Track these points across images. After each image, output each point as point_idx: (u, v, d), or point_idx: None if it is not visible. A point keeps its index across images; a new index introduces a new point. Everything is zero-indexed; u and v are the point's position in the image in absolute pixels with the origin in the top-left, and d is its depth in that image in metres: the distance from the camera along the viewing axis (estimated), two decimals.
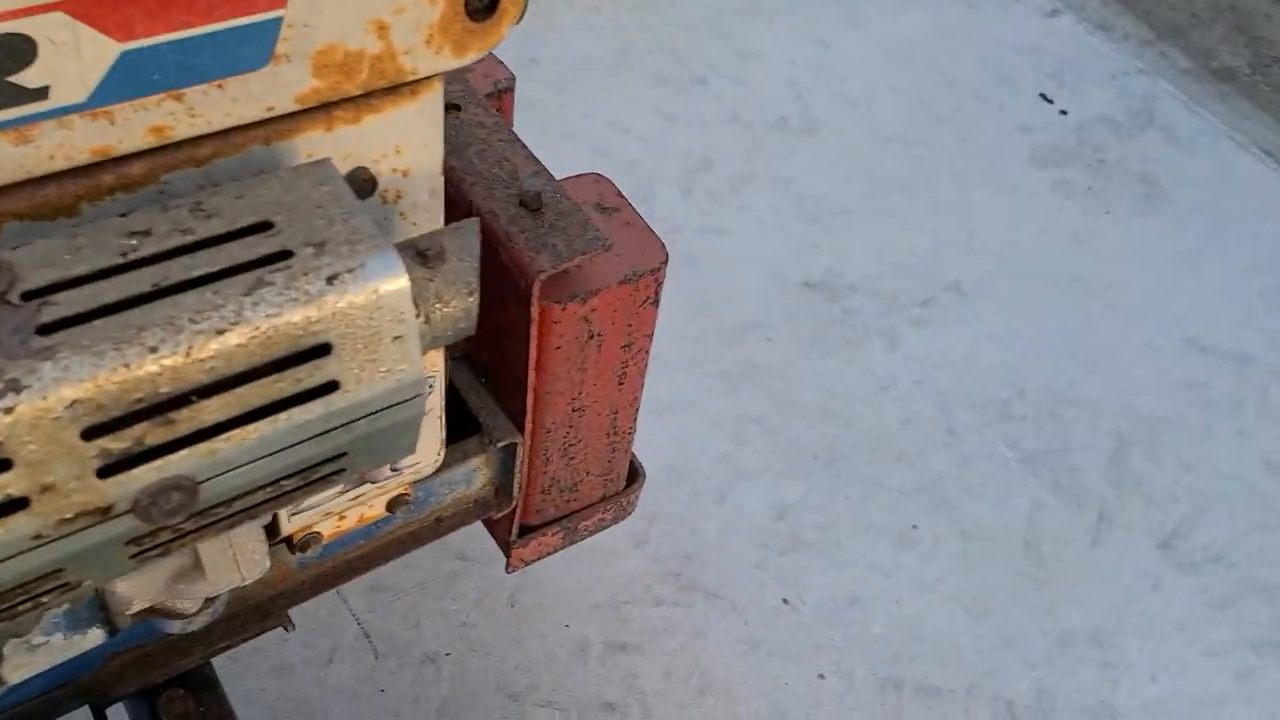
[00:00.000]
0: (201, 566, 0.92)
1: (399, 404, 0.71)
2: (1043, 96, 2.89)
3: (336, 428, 0.69)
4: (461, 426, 1.24)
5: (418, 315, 0.73)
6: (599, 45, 2.92)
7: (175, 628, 1.00)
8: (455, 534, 1.94)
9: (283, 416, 0.65)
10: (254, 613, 1.20)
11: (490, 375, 1.29)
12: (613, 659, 1.86)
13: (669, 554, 2.00)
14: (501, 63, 1.42)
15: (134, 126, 0.66)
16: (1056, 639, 1.94)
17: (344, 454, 0.72)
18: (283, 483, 0.70)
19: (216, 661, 1.74)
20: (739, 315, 2.38)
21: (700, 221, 2.55)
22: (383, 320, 0.67)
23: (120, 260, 0.62)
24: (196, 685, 1.21)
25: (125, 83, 0.64)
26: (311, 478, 0.72)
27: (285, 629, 1.21)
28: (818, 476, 2.12)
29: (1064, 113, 2.86)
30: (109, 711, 1.15)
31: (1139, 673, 1.90)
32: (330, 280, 0.64)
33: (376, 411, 0.70)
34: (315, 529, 1.10)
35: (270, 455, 0.67)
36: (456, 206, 1.18)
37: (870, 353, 2.33)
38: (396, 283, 0.66)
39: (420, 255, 0.74)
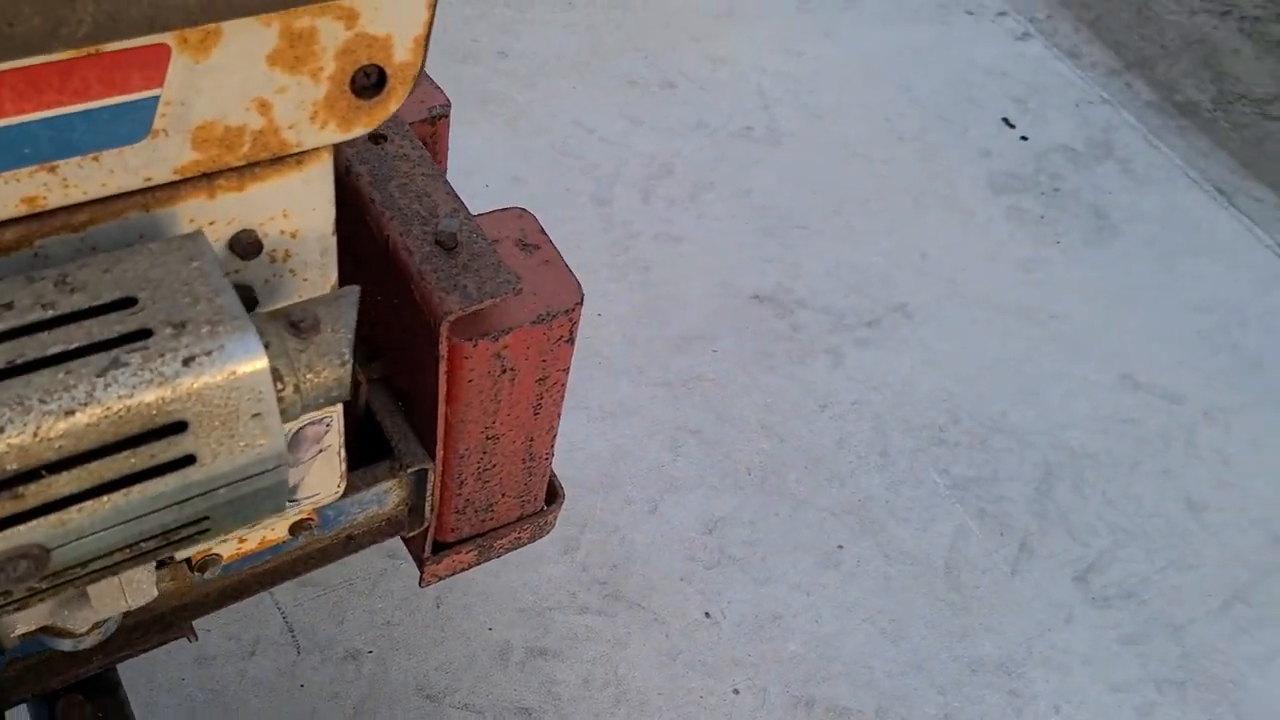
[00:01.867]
0: (87, 595, 0.94)
1: (260, 474, 0.73)
2: (1005, 121, 2.91)
3: (195, 496, 0.71)
4: (380, 447, 1.26)
5: (284, 386, 0.75)
6: (571, 42, 2.92)
7: (66, 646, 1.03)
8: None
9: (136, 489, 0.68)
10: (156, 623, 1.22)
11: (408, 400, 1.32)
12: (533, 664, 1.90)
13: (597, 562, 2.03)
14: (439, 88, 1.43)
15: (5, 196, 0.68)
16: (967, 665, 1.99)
17: (205, 519, 0.74)
18: (142, 544, 0.73)
19: None
20: (687, 324, 2.40)
21: (657, 228, 2.56)
22: (240, 399, 0.69)
23: None
24: (97, 690, 1.24)
25: None
26: (173, 539, 0.75)
27: (189, 640, 1.24)
28: (750, 492, 2.16)
29: (1025, 139, 2.88)
30: (9, 714, 1.18)
31: (1043, 704, 1.96)
32: (187, 362, 0.66)
33: (236, 481, 0.72)
34: (214, 552, 1.12)
35: (125, 523, 0.69)
36: (374, 241, 1.20)
37: (813, 370, 2.37)
38: (254, 364, 0.68)
39: (293, 326, 0.76)
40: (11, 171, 0.67)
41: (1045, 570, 2.13)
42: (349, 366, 0.79)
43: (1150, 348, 2.50)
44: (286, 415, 0.77)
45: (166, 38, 0.66)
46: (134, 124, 0.69)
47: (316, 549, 1.32)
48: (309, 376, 0.77)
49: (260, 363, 0.69)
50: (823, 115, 2.86)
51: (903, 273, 2.56)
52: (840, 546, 2.11)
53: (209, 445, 0.69)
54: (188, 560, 1.12)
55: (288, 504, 1.10)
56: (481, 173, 2.53)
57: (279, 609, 1.88)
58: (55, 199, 0.70)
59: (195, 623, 1.30)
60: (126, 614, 1.18)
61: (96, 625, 1.03)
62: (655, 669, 1.92)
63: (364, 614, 1.91)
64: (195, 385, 0.67)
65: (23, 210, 0.69)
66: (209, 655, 1.82)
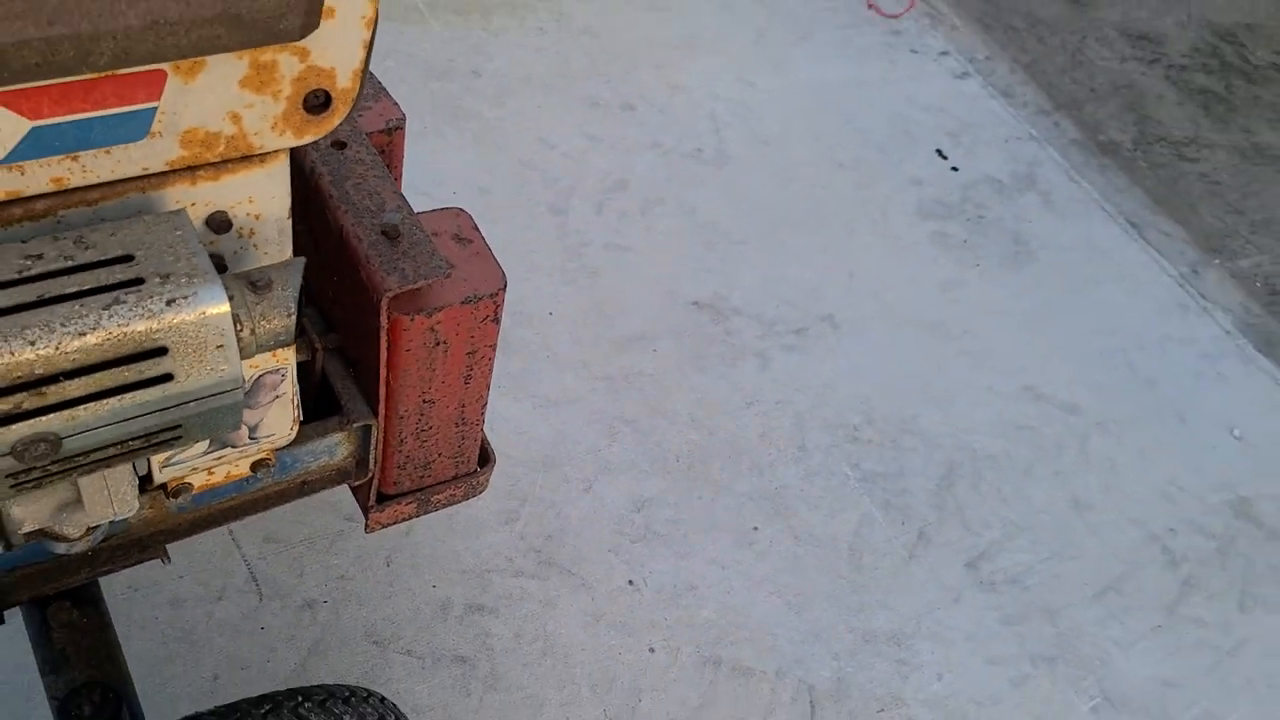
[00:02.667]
0: (82, 501, 1.18)
1: (221, 394, 0.97)
2: (939, 153, 3.16)
3: (171, 407, 0.95)
4: (333, 407, 1.50)
5: (243, 329, 0.99)
6: (540, 64, 3.18)
7: (60, 549, 1.26)
8: (345, 499, 2.21)
9: (128, 396, 0.91)
10: (135, 545, 1.45)
11: (356, 366, 1.55)
12: (470, 619, 2.13)
13: (534, 532, 2.26)
14: (396, 104, 1.67)
15: (39, 176, 0.92)
16: (861, 636, 2.22)
17: (179, 426, 0.98)
18: (130, 443, 0.96)
19: (117, 591, 2.00)
20: (630, 326, 2.64)
21: (608, 238, 2.81)
22: (208, 333, 0.93)
23: (16, 276, 0.87)
24: (82, 600, 1.46)
25: (34, 147, 0.89)
26: (154, 441, 0.98)
27: (162, 561, 1.47)
28: (676, 477, 2.40)
29: (955, 169, 3.14)
30: (9, 616, 1.40)
31: (927, 672, 2.19)
32: (169, 303, 0.90)
33: (203, 398, 0.96)
34: (186, 480, 1.35)
35: (119, 423, 0.93)
36: (330, 230, 1.44)
37: (743, 371, 2.61)
38: (220, 308, 0.92)
39: (252, 284, 1.00)
40: (46, 158, 0.91)
41: (940, 557, 2.36)
42: (294, 317, 1.02)
43: (1054, 364, 2.75)
44: (245, 353, 1.00)
45: (164, 66, 0.89)
46: (137, 127, 0.93)
47: (275, 491, 1.55)
48: (263, 324, 1.01)
49: (224, 307, 0.92)
50: (769, 141, 3.11)
51: (831, 288, 2.81)
52: (755, 528, 2.35)
53: (184, 367, 0.93)
54: (164, 486, 1.35)
55: (249, 441, 1.33)
56: (450, 181, 2.77)
57: (245, 561, 2.11)
58: (75, 180, 0.94)
59: (171, 568, 1.52)
60: (110, 536, 1.41)
61: (88, 532, 1.26)
62: (580, 628, 2.15)
63: (321, 569, 2.13)
64: (175, 320, 0.90)
65: (51, 188, 0.93)
66: (181, 599, 2.04)
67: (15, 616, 1.47)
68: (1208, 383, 2.80)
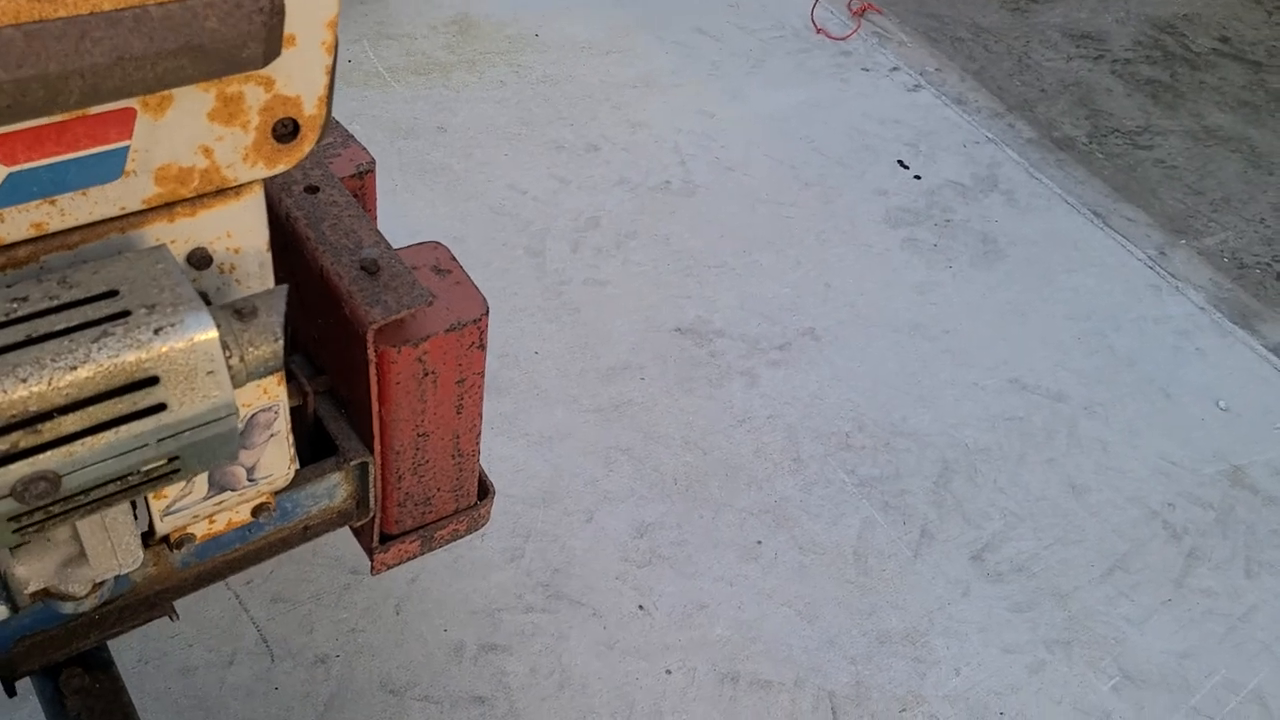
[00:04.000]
0: (85, 555, 1.18)
1: (216, 420, 0.98)
2: (900, 163, 3.22)
3: (167, 438, 0.96)
4: (327, 450, 1.51)
5: (232, 356, 1.00)
6: (502, 115, 3.23)
7: (68, 608, 1.26)
8: (349, 552, 2.21)
9: (124, 429, 0.93)
10: (142, 604, 1.45)
11: (348, 406, 1.57)
12: (485, 658, 2.12)
13: (540, 567, 2.26)
14: (364, 149, 1.71)
15: (19, 223, 0.94)
16: (875, 638, 2.22)
17: (177, 457, 0.99)
18: (129, 478, 0.97)
19: (128, 664, 1.99)
20: (615, 357, 2.67)
21: (586, 274, 2.84)
22: (198, 360, 0.94)
23: (4, 318, 0.89)
24: (93, 665, 1.46)
25: (11, 193, 0.92)
26: (154, 475, 0.99)
27: (170, 618, 1.47)
28: (676, 499, 2.40)
29: (918, 178, 3.20)
30: (19, 687, 1.40)
31: (945, 667, 2.19)
32: (157, 332, 0.92)
33: (198, 426, 0.97)
34: (188, 530, 1.36)
35: (116, 457, 0.94)
36: (311, 271, 1.46)
37: (730, 390, 2.63)
38: (207, 334, 0.94)
39: (237, 313, 1.02)
40: (24, 204, 0.93)
41: (944, 552, 2.37)
42: (282, 342, 1.04)
43: (1034, 354, 2.78)
44: (235, 381, 1.02)
45: (133, 102, 0.92)
46: (111, 167, 0.96)
47: (278, 538, 1.56)
48: (251, 350, 1.02)
49: (212, 332, 0.94)
50: (733, 167, 3.17)
51: (809, 301, 2.85)
52: (759, 542, 2.35)
53: (176, 395, 0.94)
54: (166, 538, 1.35)
55: (248, 483, 1.34)
56: (425, 233, 2.81)
57: (253, 623, 2.10)
58: (55, 224, 0.96)
59: (179, 636, 1.51)
60: (116, 596, 1.41)
61: (95, 588, 1.26)
62: (595, 658, 2.14)
63: (331, 623, 2.12)
64: (164, 349, 0.92)
65: (32, 233, 0.95)
66: (192, 666, 2.03)
67: (25, 689, 1.46)
68: (1187, 357, 2.84)
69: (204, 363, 0.95)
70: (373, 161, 1.72)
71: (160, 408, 0.94)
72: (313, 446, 1.57)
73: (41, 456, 0.90)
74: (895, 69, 3.61)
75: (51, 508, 0.94)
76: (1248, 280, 3.09)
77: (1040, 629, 2.26)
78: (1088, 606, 2.31)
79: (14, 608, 1.22)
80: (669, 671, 2.13)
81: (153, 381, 0.93)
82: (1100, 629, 2.27)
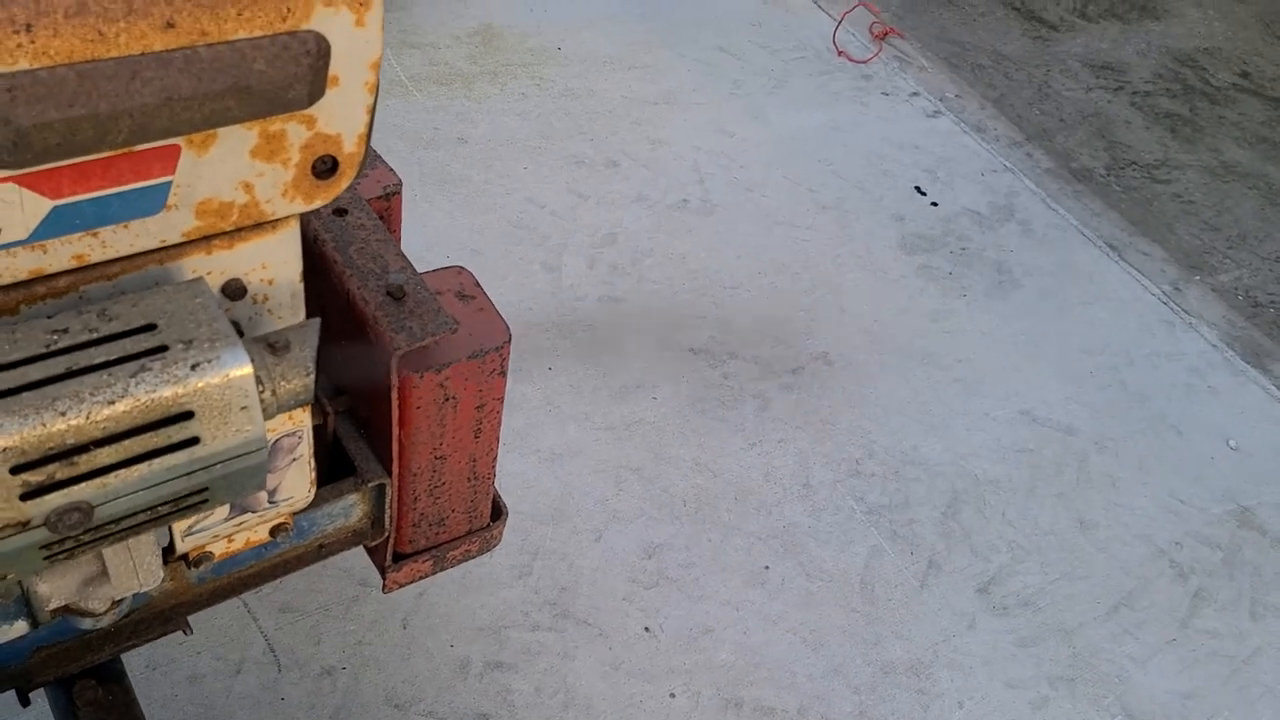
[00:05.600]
0: (107, 574, 1.19)
1: (247, 454, 0.99)
2: (917, 189, 3.23)
3: (198, 470, 0.97)
4: (345, 469, 1.52)
5: (264, 390, 1.01)
6: (523, 128, 3.24)
7: (87, 624, 1.27)
8: (358, 564, 2.23)
9: (157, 461, 0.94)
10: (158, 618, 1.46)
11: (368, 427, 1.58)
12: (490, 675, 2.12)
13: (547, 585, 2.27)
14: (392, 170, 1.72)
15: (61, 254, 0.95)
16: (880, 668, 2.22)
17: (206, 489, 1.00)
18: (159, 508, 0.98)
19: (136, 670, 2.01)
20: (629, 375, 2.68)
21: (601, 291, 2.85)
22: (232, 395, 0.95)
23: (44, 350, 0.90)
24: (107, 678, 1.47)
25: (55, 226, 0.93)
26: (183, 505, 1.00)
27: (184, 632, 1.48)
28: (685, 521, 2.41)
29: (935, 205, 3.21)
30: (33, 698, 1.41)
31: (948, 700, 2.19)
32: (194, 368, 0.93)
33: (229, 459, 0.98)
34: (207, 549, 1.37)
35: (149, 488, 0.95)
36: (338, 294, 1.47)
37: (743, 413, 2.63)
38: (243, 370, 0.95)
39: (270, 346, 1.03)
40: (66, 236, 0.94)
41: (950, 584, 2.38)
42: (313, 376, 1.05)
43: (1046, 386, 2.79)
44: (266, 414, 1.03)
45: (178, 140, 0.93)
46: (153, 201, 0.97)
47: (293, 556, 1.57)
48: (283, 384, 1.03)
49: (247, 369, 0.95)
50: (751, 188, 3.18)
51: (823, 325, 2.85)
52: (767, 567, 2.36)
53: (210, 429, 0.95)
54: (184, 557, 1.36)
55: (269, 505, 1.35)
56: (442, 246, 2.82)
57: (262, 633, 2.11)
58: (96, 256, 0.97)
59: (188, 644, 1.53)
60: (133, 610, 1.42)
61: (113, 605, 1.27)
62: (599, 678, 2.15)
63: (338, 635, 2.13)
64: (200, 385, 0.93)
65: (73, 264, 0.96)
66: (199, 674, 2.04)
67: (39, 698, 1.47)
68: (1199, 396, 2.84)
69: (238, 398, 0.96)
70: (399, 183, 1.73)
71: (194, 441, 0.95)
72: (330, 465, 1.58)
73: (76, 488, 0.91)
74: (915, 94, 3.61)
75: (82, 536, 0.95)
76: (1261, 319, 3.09)
77: (1044, 665, 2.27)
78: (1092, 643, 2.31)
79: (34, 623, 1.23)
80: (673, 695, 2.14)
81: (188, 416, 0.94)
82: (1104, 667, 2.28)
